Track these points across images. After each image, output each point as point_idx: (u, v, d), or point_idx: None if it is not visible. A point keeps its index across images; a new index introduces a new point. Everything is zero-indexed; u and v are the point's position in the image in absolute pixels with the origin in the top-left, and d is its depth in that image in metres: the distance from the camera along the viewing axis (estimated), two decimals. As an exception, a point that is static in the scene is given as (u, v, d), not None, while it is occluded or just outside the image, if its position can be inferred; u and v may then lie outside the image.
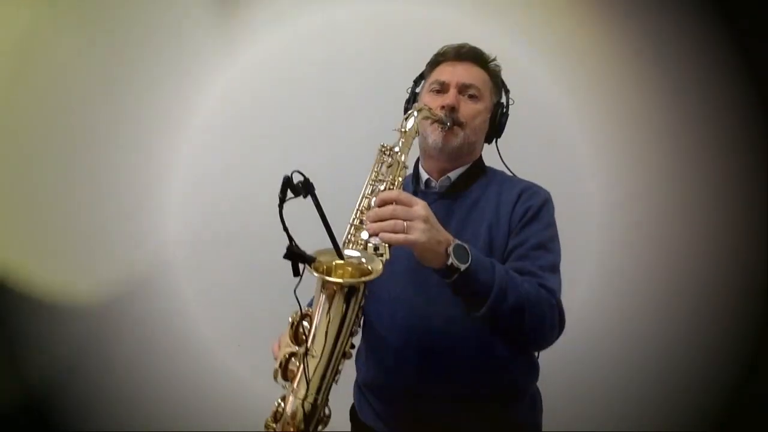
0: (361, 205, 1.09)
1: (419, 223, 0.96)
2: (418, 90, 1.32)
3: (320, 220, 0.89)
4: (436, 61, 1.28)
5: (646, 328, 1.79)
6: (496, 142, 1.32)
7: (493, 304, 1.00)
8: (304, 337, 0.96)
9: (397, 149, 1.12)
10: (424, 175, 1.26)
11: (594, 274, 1.79)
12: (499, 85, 1.29)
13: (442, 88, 1.23)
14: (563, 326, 1.11)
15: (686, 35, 1.71)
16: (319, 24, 1.80)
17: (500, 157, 1.33)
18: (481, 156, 1.29)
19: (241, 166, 1.86)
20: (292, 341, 0.96)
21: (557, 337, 1.11)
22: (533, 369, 1.21)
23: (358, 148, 1.75)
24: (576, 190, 1.80)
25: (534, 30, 1.75)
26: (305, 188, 0.85)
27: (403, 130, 1.14)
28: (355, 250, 1.00)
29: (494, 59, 1.28)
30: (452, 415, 1.12)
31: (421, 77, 1.33)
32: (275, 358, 1.02)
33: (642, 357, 1.80)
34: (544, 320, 1.06)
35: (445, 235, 0.99)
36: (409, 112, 1.16)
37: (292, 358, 0.96)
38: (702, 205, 1.76)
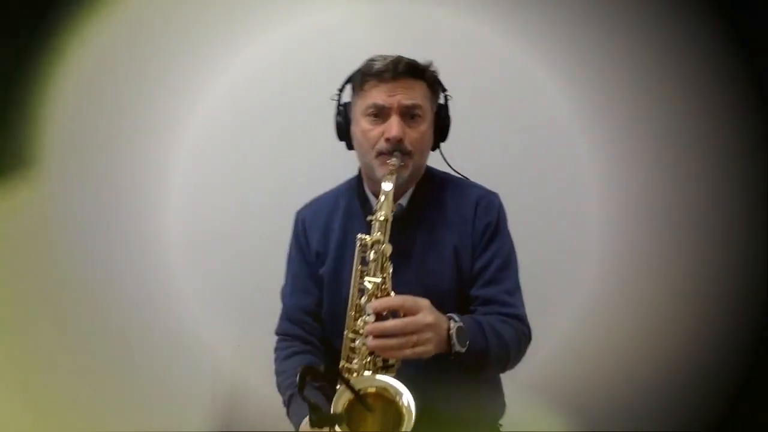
0: (353, 311, 1.04)
1: (429, 332, 0.93)
2: (348, 100, 1.21)
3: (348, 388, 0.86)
4: (368, 78, 1.14)
5: (646, 328, 1.79)
6: (440, 146, 1.25)
7: (488, 366, 1.05)
8: None
9: (378, 239, 1.03)
10: (374, 201, 1.17)
11: (594, 274, 1.79)
12: (437, 90, 1.20)
13: (381, 113, 1.12)
14: (530, 340, 1.17)
15: (687, 35, 1.71)
16: (320, 24, 1.80)
17: (445, 160, 1.27)
18: (426, 167, 1.23)
19: (241, 166, 1.86)
20: None
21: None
22: None
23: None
24: (576, 189, 1.80)
25: (534, 30, 1.75)
26: (329, 374, 0.84)
27: (379, 218, 1.04)
28: (382, 376, 0.93)
29: (431, 65, 1.18)
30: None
31: (348, 82, 1.21)
32: None
33: (642, 357, 1.79)
34: (519, 356, 1.13)
35: (443, 323, 0.98)
36: (381, 198, 1.05)
37: None
38: (702, 204, 1.76)
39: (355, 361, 0.99)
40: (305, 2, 1.81)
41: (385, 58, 1.15)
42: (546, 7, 1.75)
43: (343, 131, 1.22)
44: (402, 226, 1.13)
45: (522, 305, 1.18)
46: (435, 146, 1.23)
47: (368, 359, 0.97)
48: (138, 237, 1.83)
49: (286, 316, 1.28)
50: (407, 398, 0.89)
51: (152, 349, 1.84)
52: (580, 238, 1.80)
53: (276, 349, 1.28)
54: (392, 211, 1.06)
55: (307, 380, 0.79)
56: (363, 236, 1.06)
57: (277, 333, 1.30)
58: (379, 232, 1.03)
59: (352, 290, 1.05)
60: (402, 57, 1.15)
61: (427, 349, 0.92)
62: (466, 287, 1.17)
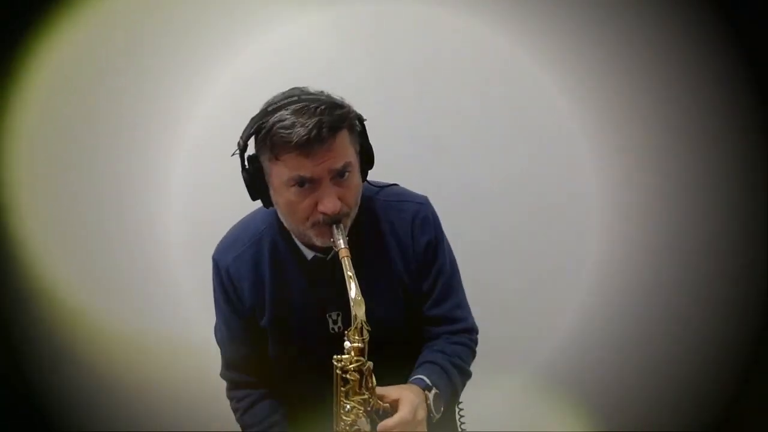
0: (340, 428, 1.02)
1: (426, 424, 1.01)
2: (254, 152, 1.06)
3: None
4: (285, 150, 0.97)
5: (646, 327, 1.80)
6: (365, 177, 1.14)
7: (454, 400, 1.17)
8: None
9: (361, 361, 0.99)
10: (309, 253, 1.13)
11: (594, 276, 1.80)
12: (355, 125, 1.05)
13: (310, 182, 0.99)
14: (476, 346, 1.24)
15: (687, 34, 1.71)
16: (321, 23, 1.80)
17: (368, 183, 1.17)
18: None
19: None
20: None
21: None
22: None
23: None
24: (576, 189, 1.80)
25: (534, 29, 1.75)
26: None
27: (354, 340, 0.98)
28: None
29: (346, 105, 1.02)
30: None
31: (250, 135, 1.04)
32: None
33: (642, 356, 1.80)
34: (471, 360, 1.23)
35: (420, 393, 1.04)
36: (348, 282, 0.97)
37: None
38: (703, 206, 1.77)
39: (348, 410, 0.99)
40: (305, 3, 1.81)
41: (301, 121, 0.95)
42: (548, 8, 1.75)
43: (256, 191, 1.08)
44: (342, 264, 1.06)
45: (469, 313, 1.24)
46: (364, 178, 1.12)
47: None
48: (138, 237, 1.83)
49: (228, 365, 1.24)
50: None
51: (152, 348, 1.84)
52: (580, 240, 1.80)
53: (230, 399, 1.25)
54: (359, 297, 0.97)
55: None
56: (339, 358, 0.99)
57: (225, 379, 1.26)
58: (357, 345, 0.98)
59: (336, 409, 1.02)
60: (321, 117, 0.96)
61: None
62: (415, 308, 1.20)
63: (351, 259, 0.99)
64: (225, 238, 1.22)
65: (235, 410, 1.24)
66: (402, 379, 1.09)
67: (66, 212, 1.81)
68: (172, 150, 1.84)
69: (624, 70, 1.75)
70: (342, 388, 0.99)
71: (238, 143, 1.06)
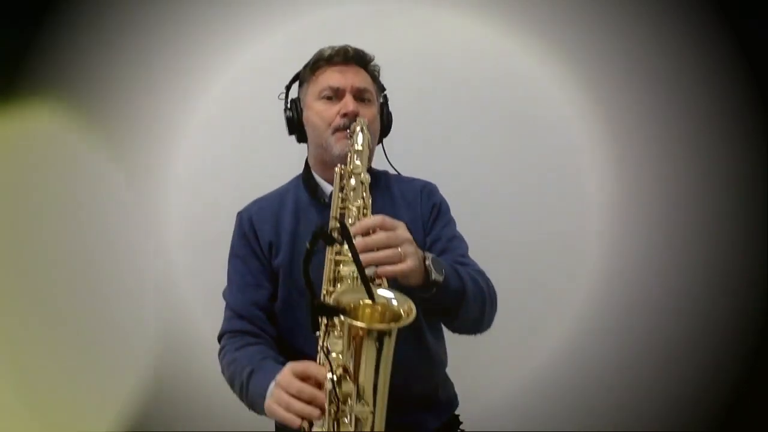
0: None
1: (410, 246, 0.95)
2: (298, 96, 1.28)
3: (354, 264, 0.83)
4: (318, 65, 1.23)
5: (646, 326, 1.79)
6: (382, 141, 1.31)
7: (467, 307, 1.04)
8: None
9: (357, 168, 1.07)
10: (327, 187, 1.23)
11: (594, 273, 1.79)
12: (379, 85, 1.28)
13: (336, 95, 1.20)
14: (496, 298, 1.18)
15: (687, 33, 1.71)
16: (320, 24, 1.80)
17: (386, 156, 1.33)
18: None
19: (242, 165, 1.86)
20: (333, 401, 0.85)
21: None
22: (445, 356, 1.30)
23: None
24: (576, 189, 1.80)
25: (535, 29, 1.75)
26: (343, 235, 0.79)
27: (357, 148, 1.10)
28: (383, 289, 0.90)
29: (373, 59, 1.26)
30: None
31: (296, 79, 1.29)
32: (294, 423, 0.91)
33: (642, 356, 1.80)
34: (494, 306, 1.14)
35: (419, 249, 0.99)
36: (356, 128, 1.12)
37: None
38: (703, 203, 1.76)
39: (339, 285, 0.99)
40: (306, 3, 1.81)
41: (332, 46, 1.22)
42: (548, 8, 1.75)
43: (294, 124, 1.28)
44: None
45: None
46: (378, 140, 1.29)
47: (355, 281, 0.96)
48: (138, 237, 1.83)
49: (235, 314, 1.22)
50: (401, 299, 0.87)
51: (152, 348, 1.84)
52: (580, 241, 1.80)
53: (222, 348, 1.21)
54: (368, 145, 1.10)
55: (316, 248, 0.75)
56: (342, 165, 1.10)
57: (223, 332, 1.23)
58: (358, 161, 1.08)
59: (333, 216, 1.06)
60: (349, 45, 1.23)
61: (412, 264, 0.93)
62: None
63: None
64: (254, 200, 1.31)
65: (222, 357, 1.19)
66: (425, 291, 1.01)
67: (66, 212, 1.80)
68: (172, 150, 1.83)
69: (625, 71, 1.76)
70: (339, 194, 1.07)
71: (285, 86, 1.29)
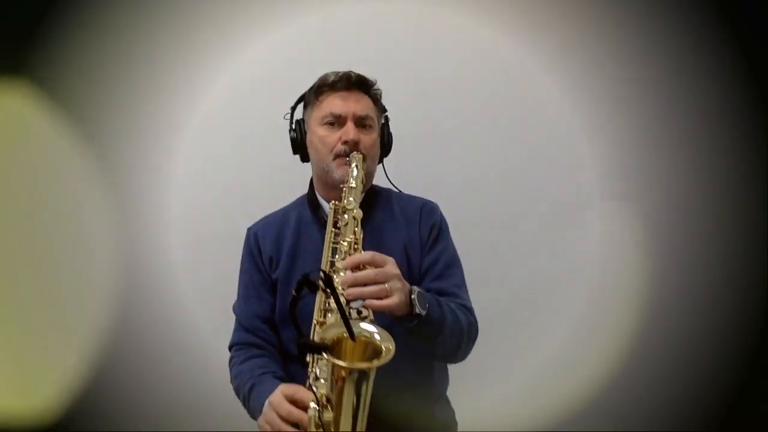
0: (327, 268, 1.08)
1: (397, 282, 0.99)
2: (302, 117, 1.32)
3: (336, 307, 0.87)
4: (322, 90, 1.27)
5: (646, 326, 1.79)
6: (383, 162, 1.35)
7: (443, 340, 1.10)
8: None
9: (350, 205, 1.12)
10: (327, 206, 1.24)
11: (594, 275, 1.79)
12: (381, 108, 1.32)
13: (338, 121, 1.23)
14: (477, 335, 1.22)
15: (687, 33, 1.71)
16: (320, 24, 1.79)
17: (386, 175, 1.36)
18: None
19: (241, 165, 1.85)
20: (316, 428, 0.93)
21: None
22: (446, 377, 1.32)
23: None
24: (576, 189, 1.80)
25: (535, 29, 1.75)
26: (327, 283, 0.83)
27: (351, 185, 1.15)
28: (363, 322, 0.95)
29: (375, 84, 1.29)
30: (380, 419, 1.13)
31: (301, 100, 1.33)
32: None
33: (642, 355, 1.79)
34: (470, 343, 1.19)
35: (407, 284, 1.04)
36: (351, 165, 1.17)
37: None
38: (703, 208, 1.76)
39: (330, 316, 1.03)
40: (306, 3, 1.81)
41: (336, 72, 1.26)
42: (547, 10, 1.75)
43: (298, 145, 1.32)
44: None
45: (469, 300, 1.24)
46: (379, 160, 1.33)
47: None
48: (138, 237, 1.83)
49: (240, 326, 1.30)
50: (383, 336, 0.92)
51: (152, 348, 1.84)
52: (580, 241, 1.80)
53: (231, 359, 1.29)
54: (362, 181, 1.16)
55: (302, 294, 0.80)
56: (336, 201, 1.15)
57: (231, 344, 1.30)
58: (351, 198, 1.13)
59: (326, 249, 1.10)
60: (352, 73, 1.26)
61: (398, 299, 0.98)
62: (416, 284, 1.19)
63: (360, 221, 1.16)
64: (263, 217, 1.39)
65: (230, 368, 1.27)
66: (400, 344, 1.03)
67: (66, 212, 1.80)
68: (171, 151, 1.83)
69: (625, 71, 1.75)
70: (332, 229, 1.13)
71: (291, 107, 1.34)
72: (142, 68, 1.78)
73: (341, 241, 1.08)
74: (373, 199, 1.28)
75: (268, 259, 1.28)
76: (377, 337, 0.92)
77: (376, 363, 0.87)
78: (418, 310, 1.01)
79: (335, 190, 1.20)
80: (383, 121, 1.33)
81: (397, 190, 1.36)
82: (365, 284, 0.97)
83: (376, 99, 1.29)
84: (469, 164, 1.82)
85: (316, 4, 1.78)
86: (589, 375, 1.81)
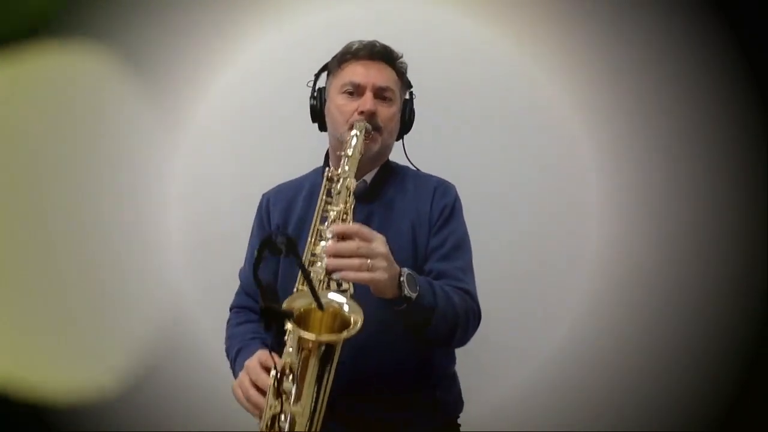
0: (313, 238, 1.06)
1: (382, 261, 0.95)
2: (324, 85, 1.29)
3: (305, 278, 0.84)
4: (345, 58, 1.24)
5: (645, 325, 1.79)
6: (402, 138, 1.32)
7: (435, 324, 1.05)
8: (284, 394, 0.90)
9: (344, 173, 1.09)
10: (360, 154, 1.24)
11: (593, 271, 1.79)
12: (405, 82, 1.28)
13: (357, 91, 1.20)
14: (480, 321, 1.19)
15: (687, 33, 1.71)
16: (320, 24, 1.79)
17: (405, 152, 1.33)
18: (388, 159, 1.30)
19: (241, 165, 1.86)
20: (274, 396, 0.91)
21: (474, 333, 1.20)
22: (451, 355, 1.29)
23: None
24: (576, 188, 1.80)
25: (535, 29, 1.75)
26: (290, 247, 0.80)
27: (348, 153, 1.11)
28: (334, 292, 0.94)
29: (401, 57, 1.26)
30: (377, 399, 1.14)
31: (325, 69, 1.29)
32: (251, 411, 1.01)
33: (641, 355, 1.79)
34: (468, 329, 1.15)
35: (396, 265, 1.00)
36: (351, 134, 1.14)
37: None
38: (702, 207, 1.76)
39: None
40: (306, 3, 1.81)
41: (361, 41, 1.23)
42: (546, 6, 1.75)
43: (317, 113, 1.29)
44: (364, 201, 1.19)
45: (474, 285, 1.21)
46: (399, 136, 1.30)
47: (323, 282, 0.97)
48: (138, 237, 1.83)
49: (242, 290, 1.32)
50: (353, 308, 0.90)
51: (152, 349, 1.84)
52: (580, 242, 1.80)
53: (228, 320, 1.31)
54: (360, 153, 1.12)
55: (264, 255, 0.77)
56: (330, 169, 1.13)
57: (231, 306, 1.33)
58: (347, 167, 1.10)
59: (315, 216, 1.08)
60: (376, 43, 1.23)
61: (379, 276, 0.94)
62: (420, 263, 1.19)
63: (366, 191, 1.20)
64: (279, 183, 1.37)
65: (227, 329, 1.28)
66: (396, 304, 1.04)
67: (66, 212, 1.80)
68: (172, 152, 1.83)
69: (625, 71, 1.75)
70: (324, 197, 1.10)
71: (314, 74, 1.30)
72: (143, 67, 1.79)
73: (330, 210, 1.07)
74: (387, 174, 1.26)
75: (275, 227, 1.27)
76: (346, 308, 0.90)
77: (343, 335, 0.85)
78: (406, 292, 0.98)
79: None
80: (407, 97, 1.29)
81: (414, 169, 1.33)
82: (348, 256, 0.94)
83: (400, 72, 1.25)
84: (468, 166, 1.82)
85: (316, 3, 1.79)
86: (588, 376, 1.81)
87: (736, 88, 1.70)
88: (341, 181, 1.08)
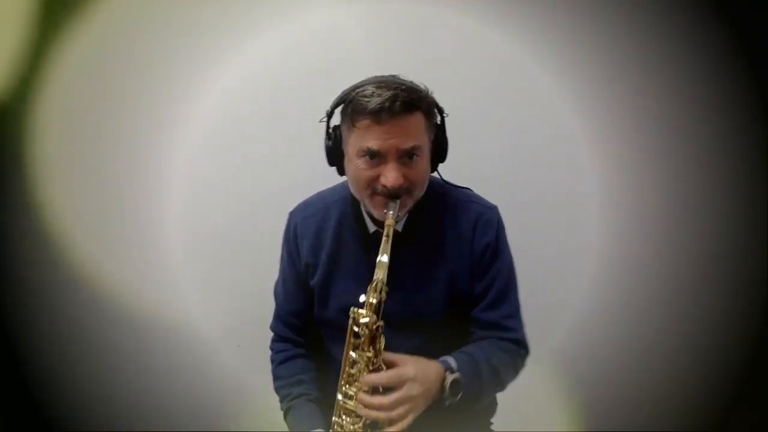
0: (344, 381, 1.05)
1: (418, 400, 0.97)
2: (338, 123, 1.13)
3: None
4: (361, 117, 1.04)
5: (646, 326, 1.79)
6: (436, 169, 1.18)
7: (480, 401, 1.09)
8: None
9: (372, 319, 0.99)
10: (371, 227, 1.17)
11: (593, 276, 1.79)
12: (434, 114, 1.11)
13: (377, 155, 1.04)
14: (528, 355, 1.21)
15: (687, 33, 1.71)
16: (322, 23, 1.80)
17: (441, 179, 1.22)
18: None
19: (242, 165, 1.86)
20: None
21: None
22: None
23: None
24: (576, 189, 1.80)
25: (535, 29, 1.75)
26: None
27: (370, 300, 0.99)
28: None
29: (427, 92, 1.08)
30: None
31: (338, 104, 1.11)
32: None
33: (642, 355, 1.80)
34: (514, 378, 1.18)
35: (435, 378, 1.01)
36: (377, 269, 1.00)
37: None
38: (702, 206, 1.76)
39: (347, 419, 1.05)
40: (306, 3, 1.81)
41: (379, 92, 1.02)
42: (547, 8, 1.75)
43: (334, 157, 1.14)
44: (396, 251, 1.07)
45: (522, 327, 1.20)
46: (434, 169, 1.17)
47: (359, 422, 1.04)
48: (138, 238, 1.83)
49: (278, 317, 1.32)
50: None
51: (153, 349, 1.84)
52: (580, 241, 1.80)
53: (271, 349, 1.32)
54: (385, 292, 1.00)
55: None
56: (356, 310, 1.01)
57: (272, 330, 1.33)
58: (372, 312, 0.99)
59: (344, 359, 1.04)
60: (398, 92, 1.02)
61: (415, 415, 0.97)
62: (461, 308, 1.17)
63: (398, 238, 1.10)
64: (304, 200, 1.29)
65: (271, 361, 1.30)
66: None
67: (66, 212, 1.80)
68: (171, 152, 1.83)
69: (625, 70, 1.75)
70: (352, 340, 1.03)
71: (327, 111, 1.12)
72: (143, 67, 1.79)
73: (359, 354, 1.02)
74: (419, 214, 1.15)
75: (304, 265, 1.23)
76: None
77: None
78: (448, 400, 1.01)
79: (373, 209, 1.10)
80: (437, 122, 1.13)
81: (450, 189, 1.22)
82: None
83: (428, 111, 1.08)
84: (468, 165, 1.82)
85: (317, 2, 1.79)
86: (588, 376, 1.81)
87: (736, 88, 1.70)
88: (366, 328, 1.00)
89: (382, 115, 1.02)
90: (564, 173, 1.81)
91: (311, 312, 1.26)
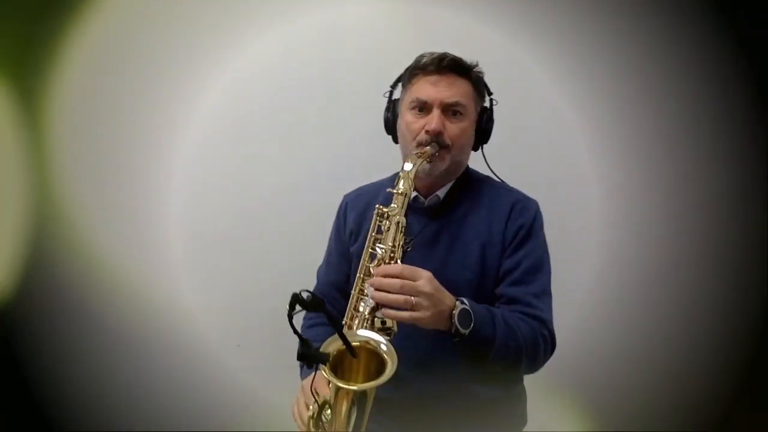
0: (362, 273, 1.09)
1: (425, 300, 0.98)
2: (396, 97, 1.26)
3: (334, 328, 0.91)
4: (414, 73, 1.20)
5: (646, 326, 1.79)
6: (482, 148, 1.27)
7: (495, 356, 1.05)
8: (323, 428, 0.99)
9: (393, 210, 1.09)
10: (412, 192, 1.21)
11: (594, 272, 1.79)
12: (482, 91, 1.23)
13: (425, 107, 1.16)
14: (554, 348, 1.16)
15: (687, 34, 1.71)
16: (322, 23, 1.80)
17: (486, 163, 1.28)
18: (467, 166, 1.26)
19: (242, 165, 1.86)
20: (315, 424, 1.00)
21: (548, 359, 1.16)
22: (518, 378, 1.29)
23: (360, 148, 1.76)
24: (576, 188, 1.80)
25: (536, 29, 1.75)
26: (314, 305, 0.85)
27: (399, 190, 1.10)
28: (369, 331, 0.99)
29: (476, 65, 1.21)
30: (448, 415, 1.16)
31: (400, 79, 1.25)
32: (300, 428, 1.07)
33: (642, 355, 1.80)
34: (537, 357, 1.12)
35: (447, 301, 1.01)
36: (404, 168, 1.11)
37: None
38: (702, 205, 1.76)
39: (357, 320, 1.05)
40: (306, 3, 1.81)
41: (432, 54, 1.19)
42: (548, 8, 1.75)
43: (390, 126, 1.27)
44: (435, 216, 1.19)
45: (548, 310, 1.17)
46: (477, 147, 1.25)
47: (368, 320, 1.02)
48: (138, 238, 1.83)
49: (317, 289, 1.34)
50: (390, 350, 0.95)
51: (153, 349, 1.84)
52: (580, 241, 1.80)
53: (303, 318, 1.33)
54: (411, 189, 1.11)
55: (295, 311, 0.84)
56: (381, 206, 1.11)
57: None
58: (395, 204, 1.09)
59: (364, 254, 1.10)
60: (448, 53, 1.18)
61: (422, 315, 0.97)
62: (490, 284, 1.17)
63: (438, 206, 1.20)
64: (360, 186, 1.38)
65: (303, 324, 1.32)
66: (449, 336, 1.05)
67: (67, 213, 1.80)
68: (172, 152, 1.83)
69: (625, 70, 1.75)
70: (374, 234, 1.10)
71: (390, 86, 1.26)
72: (143, 67, 1.79)
73: (378, 248, 1.07)
74: (462, 189, 1.21)
75: (349, 232, 1.28)
76: (383, 348, 0.95)
77: (371, 384, 0.92)
78: (455, 327, 1.00)
79: (417, 178, 1.14)
80: (486, 104, 1.23)
81: (496, 179, 1.28)
82: (392, 293, 0.97)
83: (476, 81, 1.20)
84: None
85: (317, 2, 1.79)
86: (588, 376, 1.81)
87: (736, 87, 1.70)
88: (390, 218, 1.08)
89: (430, 67, 1.16)
90: (564, 173, 1.81)
91: (348, 285, 1.24)
